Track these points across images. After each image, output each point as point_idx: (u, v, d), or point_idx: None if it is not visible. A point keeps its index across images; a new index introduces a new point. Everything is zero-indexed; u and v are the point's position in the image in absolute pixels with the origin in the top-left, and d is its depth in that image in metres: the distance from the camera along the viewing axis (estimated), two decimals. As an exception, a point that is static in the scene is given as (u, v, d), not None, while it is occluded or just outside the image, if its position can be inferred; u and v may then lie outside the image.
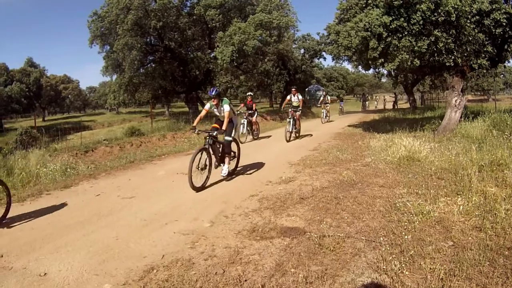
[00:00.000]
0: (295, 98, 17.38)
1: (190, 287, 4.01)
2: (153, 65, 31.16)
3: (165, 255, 4.87)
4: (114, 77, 32.13)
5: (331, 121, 28.27)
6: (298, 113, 16.82)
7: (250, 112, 17.30)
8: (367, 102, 51.79)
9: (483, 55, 14.19)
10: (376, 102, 55.09)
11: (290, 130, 16.34)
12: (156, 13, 26.25)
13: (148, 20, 26.38)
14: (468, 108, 19.45)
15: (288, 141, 16.03)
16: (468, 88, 48.32)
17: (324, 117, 27.83)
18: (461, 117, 14.41)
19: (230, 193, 7.91)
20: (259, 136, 18.36)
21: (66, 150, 14.80)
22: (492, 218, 5.26)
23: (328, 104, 28.42)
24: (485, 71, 18.46)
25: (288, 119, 16.46)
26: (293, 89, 17.86)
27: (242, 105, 18.06)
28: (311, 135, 18.47)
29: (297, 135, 17.21)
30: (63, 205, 7.53)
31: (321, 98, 29.47)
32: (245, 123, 16.95)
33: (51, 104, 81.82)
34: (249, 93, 19.07)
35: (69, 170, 11.03)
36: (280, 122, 28.70)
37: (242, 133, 16.63)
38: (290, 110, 16.72)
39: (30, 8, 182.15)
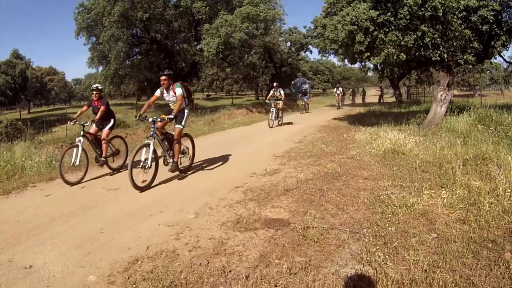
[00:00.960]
0: (170, 96, 8.67)
1: (174, 278, 4.00)
2: (139, 57, 30.99)
3: (150, 247, 4.85)
4: (100, 69, 31.95)
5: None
6: (178, 129, 8.61)
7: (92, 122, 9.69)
8: (343, 96, 39.65)
9: (469, 51, 14.29)
10: (350, 96, 48.98)
11: (148, 164, 7.85)
12: (142, 4, 26.09)
13: (135, 12, 26.22)
14: (453, 102, 19.59)
15: (141, 189, 7.62)
16: (454, 83, 48.72)
17: (272, 118, 19.60)
18: (446, 112, 14.51)
19: (215, 185, 7.89)
20: (115, 164, 10.10)
21: (52, 142, 14.69)
22: (476, 211, 5.31)
23: (280, 102, 20.29)
24: (471, 66, 18.59)
25: (146, 140, 8.03)
26: (163, 77, 8.59)
27: (85, 108, 9.70)
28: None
29: (180, 166, 8.91)
30: (48, 197, 7.47)
31: (271, 92, 20.82)
32: (80, 144, 8.90)
33: (36, 96, 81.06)
34: (96, 85, 9.84)
35: (54, 162, 10.90)
36: (266, 115, 28.63)
37: (73, 164, 8.98)
38: (151, 120, 8.24)
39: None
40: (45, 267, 4.42)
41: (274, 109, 19.93)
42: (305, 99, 32.15)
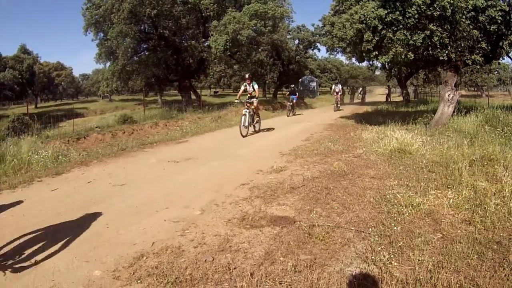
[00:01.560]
0: None
1: (179, 274, 4.01)
2: (147, 53, 31.01)
3: (155, 242, 4.86)
4: (108, 64, 32.03)
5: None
6: None
7: None
8: (341, 95, 33.78)
9: (477, 51, 14.21)
10: (351, 95, 48.40)
11: None
12: (151, 1, 26.06)
13: (143, 8, 26.20)
14: (461, 103, 19.47)
15: None
16: (461, 83, 48.55)
17: (245, 124, 14.75)
18: (453, 112, 14.45)
19: (221, 182, 7.89)
20: None
21: (58, 137, 14.76)
22: (481, 212, 5.29)
23: (254, 100, 15.37)
24: (479, 67, 18.50)
25: None
26: None
27: None
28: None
29: None
30: (54, 192, 7.49)
31: (242, 87, 16.08)
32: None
33: (43, 91, 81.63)
34: None
35: (60, 157, 10.96)
36: (273, 112, 28.53)
37: None
38: None
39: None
40: (50, 262, 4.43)
41: (248, 110, 14.96)
42: (294, 99, 26.80)
